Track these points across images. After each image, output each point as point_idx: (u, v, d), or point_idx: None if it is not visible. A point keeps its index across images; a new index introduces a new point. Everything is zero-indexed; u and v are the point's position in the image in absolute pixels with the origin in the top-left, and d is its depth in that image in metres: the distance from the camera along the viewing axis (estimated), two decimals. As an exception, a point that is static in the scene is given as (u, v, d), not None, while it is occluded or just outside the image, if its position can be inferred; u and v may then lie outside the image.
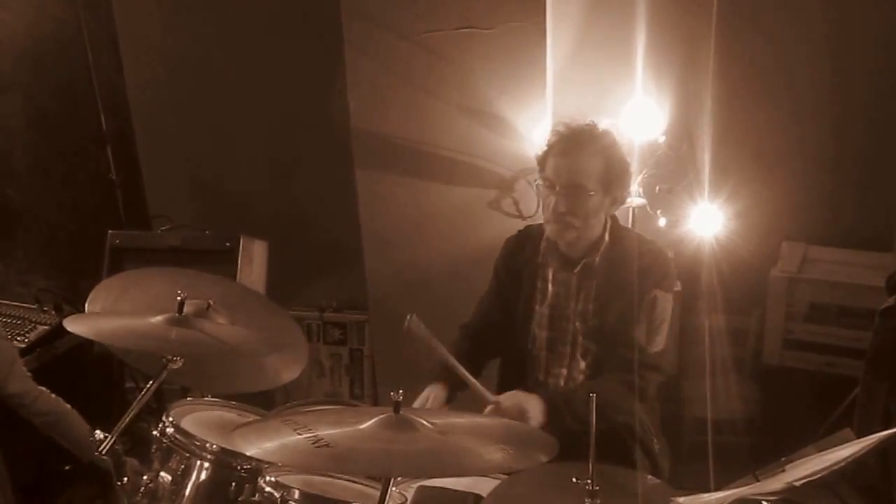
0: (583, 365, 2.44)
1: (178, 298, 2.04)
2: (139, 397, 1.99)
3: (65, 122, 3.39)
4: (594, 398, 1.74)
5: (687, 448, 2.92)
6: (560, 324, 2.45)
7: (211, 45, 3.75)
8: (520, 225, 2.97)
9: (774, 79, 3.26)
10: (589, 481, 1.66)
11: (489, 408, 2.24)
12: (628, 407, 2.34)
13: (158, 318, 2.02)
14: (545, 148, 2.40)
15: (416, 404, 2.34)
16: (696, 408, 3.20)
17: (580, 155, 2.32)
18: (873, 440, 1.61)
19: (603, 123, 2.44)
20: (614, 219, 2.46)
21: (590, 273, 2.40)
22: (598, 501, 1.65)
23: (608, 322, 2.37)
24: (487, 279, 2.64)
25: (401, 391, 1.65)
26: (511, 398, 2.25)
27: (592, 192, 2.30)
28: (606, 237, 2.41)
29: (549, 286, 2.46)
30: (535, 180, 2.48)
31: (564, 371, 2.46)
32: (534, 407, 2.24)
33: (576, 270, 2.41)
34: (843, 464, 1.56)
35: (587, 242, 2.40)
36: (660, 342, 2.37)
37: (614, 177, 2.34)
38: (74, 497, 3.21)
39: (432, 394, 2.37)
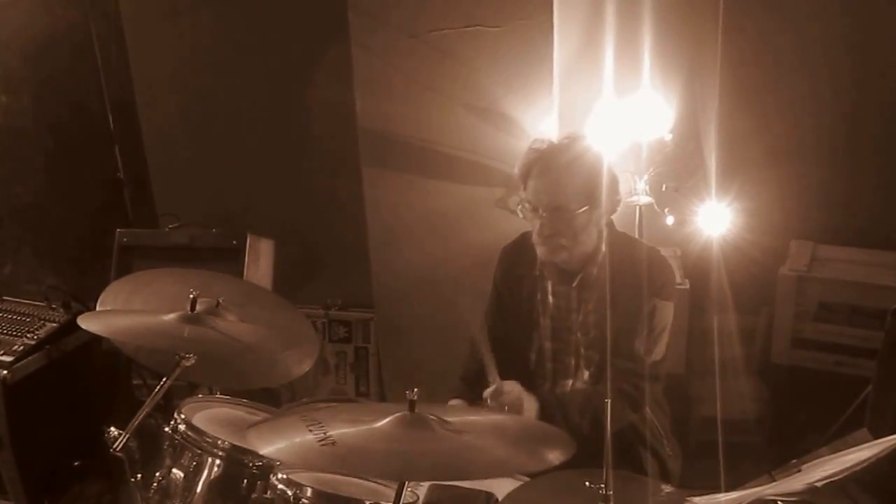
0: (586, 375, 2.43)
1: (191, 296, 2.06)
2: (153, 394, 2.00)
3: (73, 121, 3.39)
4: (609, 403, 1.73)
5: (695, 447, 2.91)
6: (563, 335, 2.44)
7: (217, 44, 3.75)
8: (525, 223, 2.98)
9: (782, 76, 3.26)
10: (602, 486, 1.66)
11: (491, 389, 2.23)
12: (621, 416, 2.31)
13: (171, 316, 2.04)
14: (523, 166, 2.33)
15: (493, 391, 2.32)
16: (704, 407, 3.20)
17: (559, 175, 2.26)
18: (894, 441, 1.59)
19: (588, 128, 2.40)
20: (610, 225, 2.40)
21: (588, 285, 2.37)
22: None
23: (610, 332, 2.33)
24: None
25: (415, 389, 1.65)
26: (512, 386, 2.25)
27: (577, 211, 2.25)
28: (603, 247, 2.37)
29: (550, 298, 2.44)
30: (518, 203, 2.41)
31: (570, 381, 2.46)
32: (530, 403, 2.25)
33: (574, 284, 2.38)
34: (865, 464, 1.55)
35: (582, 255, 2.36)
36: (659, 352, 2.36)
37: (598, 189, 2.27)
38: (84, 492, 3.22)
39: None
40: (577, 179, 2.25)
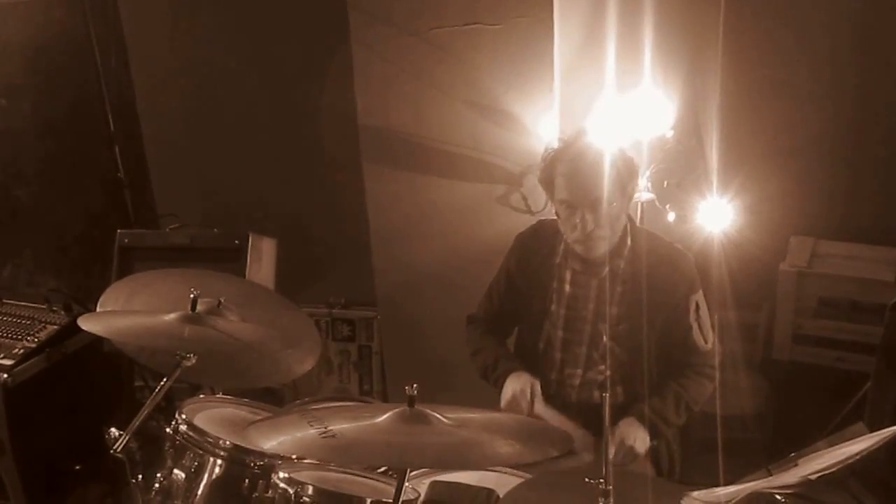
0: (602, 367, 2.45)
1: (191, 296, 2.06)
2: (153, 394, 2.00)
3: (73, 122, 3.39)
4: (606, 398, 1.75)
5: (696, 443, 2.91)
6: (576, 325, 2.45)
7: (217, 44, 3.75)
8: (528, 220, 2.98)
9: (783, 73, 3.25)
10: (602, 481, 1.67)
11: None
12: (676, 421, 2.42)
13: (171, 316, 2.04)
14: (545, 168, 2.38)
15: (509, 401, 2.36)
16: (705, 403, 3.20)
17: (592, 168, 2.30)
18: (886, 434, 1.61)
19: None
20: (631, 219, 2.46)
21: (615, 278, 2.41)
22: (611, 501, 1.65)
23: (645, 328, 2.38)
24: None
25: (415, 385, 1.66)
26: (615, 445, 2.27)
27: (613, 202, 2.30)
28: (629, 241, 2.41)
29: (567, 287, 2.45)
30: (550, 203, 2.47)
31: (580, 371, 2.47)
32: (638, 438, 2.30)
33: (602, 275, 2.41)
34: (856, 458, 1.56)
35: (611, 247, 2.39)
36: (711, 338, 2.46)
37: (626, 176, 2.34)
38: (85, 495, 3.22)
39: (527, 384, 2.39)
40: (611, 170, 2.30)
